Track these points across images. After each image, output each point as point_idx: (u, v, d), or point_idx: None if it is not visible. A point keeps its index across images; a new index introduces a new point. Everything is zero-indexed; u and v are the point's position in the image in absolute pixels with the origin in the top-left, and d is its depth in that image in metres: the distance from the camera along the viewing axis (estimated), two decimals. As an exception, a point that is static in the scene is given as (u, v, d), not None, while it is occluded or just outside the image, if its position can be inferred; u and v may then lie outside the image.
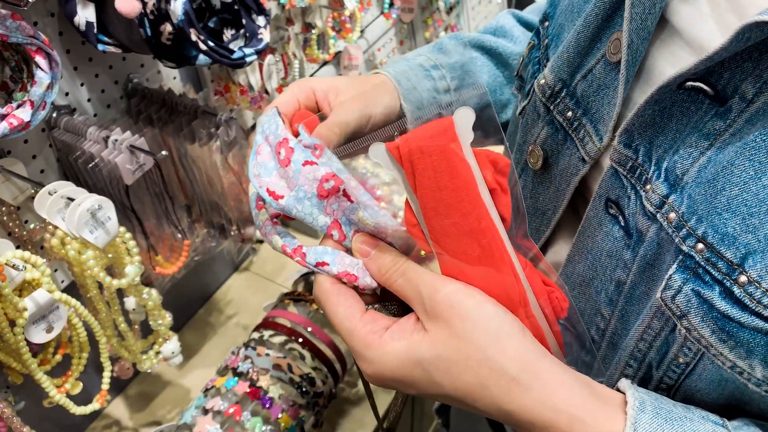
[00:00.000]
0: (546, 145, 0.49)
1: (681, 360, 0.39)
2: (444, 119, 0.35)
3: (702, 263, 0.36)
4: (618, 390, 0.38)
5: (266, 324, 0.88)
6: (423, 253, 0.41)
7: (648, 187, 0.40)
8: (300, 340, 0.85)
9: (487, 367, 0.36)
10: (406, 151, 0.36)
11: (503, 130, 0.55)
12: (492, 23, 0.69)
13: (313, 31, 1.00)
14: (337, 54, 1.13)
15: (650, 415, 0.35)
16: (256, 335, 0.87)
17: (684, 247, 0.37)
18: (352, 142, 0.41)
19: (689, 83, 0.37)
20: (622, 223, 0.42)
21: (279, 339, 0.85)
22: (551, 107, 0.48)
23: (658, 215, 0.39)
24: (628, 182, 0.41)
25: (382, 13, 1.25)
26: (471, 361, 0.36)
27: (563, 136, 0.47)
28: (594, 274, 0.45)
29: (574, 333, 0.43)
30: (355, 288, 0.41)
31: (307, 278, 0.95)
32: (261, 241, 0.92)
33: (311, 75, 1.10)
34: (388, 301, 0.42)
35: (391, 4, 1.24)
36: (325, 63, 1.13)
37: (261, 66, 0.90)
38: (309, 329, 0.86)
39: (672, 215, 0.38)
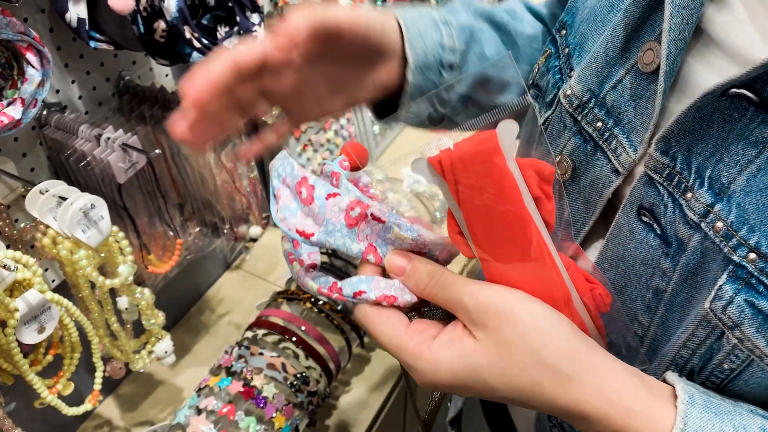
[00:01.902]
0: (574, 155, 0.48)
1: (726, 366, 0.39)
2: (487, 132, 0.35)
3: (755, 273, 0.36)
4: (666, 381, 0.39)
5: (259, 323, 0.88)
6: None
7: (689, 195, 0.39)
8: (294, 338, 0.84)
9: (542, 367, 0.37)
10: (448, 165, 0.36)
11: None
12: (503, 4, 0.67)
13: (306, 29, 0.99)
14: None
15: (700, 408, 0.36)
16: (249, 334, 0.86)
17: (735, 257, 0.37)
18: (395, 158, 0.42)
19: (733, 90, 0.37)
20: (658, 231, 0.42)
21: (272, 338, 0.85)
22: (579, 118, 0.48)
23: (703, 224, 0.39)
24: (665, 190, 0.41)
25: (374, 10, 1.24)
26: (525, 364, 0.37)
27: (593, 146, 0.47)
28: (627, 281, 0.45)
29: (617, 325, 0.43)
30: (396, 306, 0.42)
31: (300, 277, 0.95)
32: (254, 240, 0.91)
33: (304, 72, 1.10)
34: (429, 306, 0.42)
35: (383, 2, 1.23)
36: (317, 60, 1.13)
37: (254, 63, 0.89)
38: (302, 328, 0.86)
39: (719, 224, 0.38)
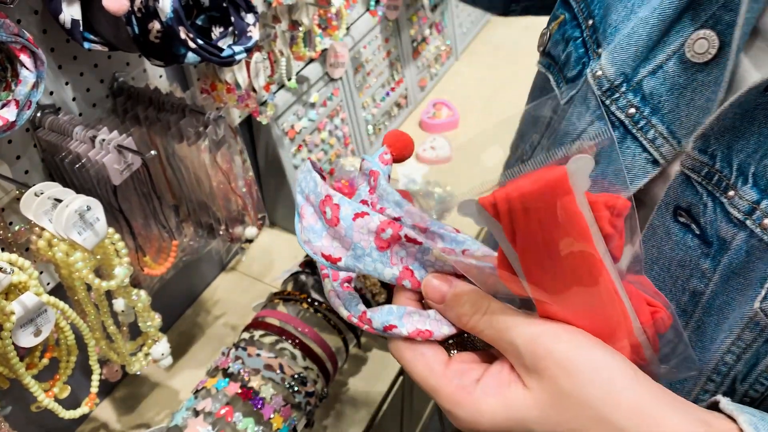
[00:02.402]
0: (597, 140, 0.46)
1: None
2: (556, 168, 0.30)
3: None
4: (718, 407, 0.36)
5: (256, 324, 0.87)
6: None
7: (731, 193, 0.38)
8: (291, 339, 0.84)
9: (599, 423, 0.33)
10: (504, 208, 0.31)
11: None
12: None
13: (300, 29, 0.99)
14: (324, 51, 1.13)
15: None
16: (246, 335, 0.86)
17: None
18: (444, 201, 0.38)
19: None
20: (697, 232, 0.40)
21: (269, 339, 0.84)
22: (608, 102, 0.44)
23: (748, 222, 0.38)
24: (704, 189, 0.40)
25: (367, 10, 1.24)
26: (581, 419, 0.33)
27: (622, 133, 0.44)
28: (661, 285, 0.43)
29: (675, 342, 0.40)
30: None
31: (296, 277, 0.95)
32: (250, 241, 0.91)
33: (298, 73, 1.10)
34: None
35: (377, 2, 1.24)
36: (311, 60, 1.13)
37: (248, 64, 0.89)
38: (299, 328, 0.85)
39: (766, 221, 0.37)
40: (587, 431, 0.33)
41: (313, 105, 1.14)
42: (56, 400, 0.67)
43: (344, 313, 0.40)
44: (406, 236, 0.36)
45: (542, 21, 0.68)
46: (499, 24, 1.72)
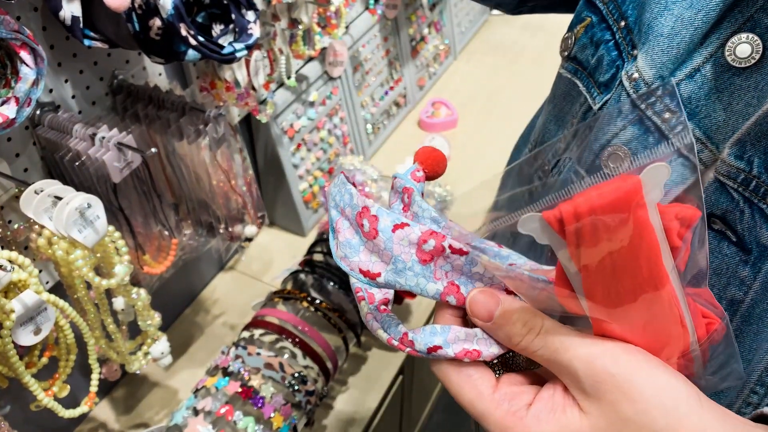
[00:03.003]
0: (631, 146, 0.44)
1: None
2: (629, 178, 0.28)
3: None
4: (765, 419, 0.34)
5: (256, 323, 0.87)
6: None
7: None
8: (291, 338, 0.84)
9: None
10: (571, 222, 0.29)
11: None
12: None
13: (300, 27, 0.99)
14: (323, 50, 1.12)
15: None
16: (246, 334, 0.86)
17: None
18: (501, 218, 0.34)
19: None
20: (734, 239, 0.40)
21: (269, 338, 0.84)
22: (643, 106, 0.43)
23: None
24: (740, 196, 0.39)
25: (366, 8, 1.24)
26: None
27: (657, 138, 0.42)
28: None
29: (725, 355, 0.39)
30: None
31: (295, 276, 0.95)
32: (249, 240, 0.91)
33: (297, 71, 1.10)
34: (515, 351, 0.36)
35: (376, 0, 1.24)
36: (310, 59, 1.13)
37: (248, 62, 0.89)
38: (299, 327, 0.85)
39: None
40: None
41: (312, 103, 1.14)
42: (55, 399, 0.67)
43: (383, 336, 0.37)
44: (450, 247, 0.34)
45: (541, 19, 0.67)
46: (498, 23, 1.72)
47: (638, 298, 0.31)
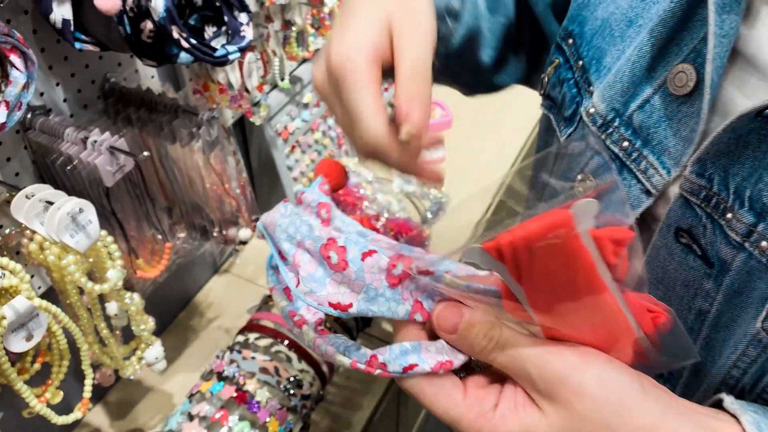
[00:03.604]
0: (597, 174, 0.47)
1: None
2: (559, 212, 0.31)
3: None
4: (722, 406, 0.37)
5: (251, 327, 0.87)
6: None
7: (729, 216, 0.39)
8: (286, 342, 0.83)
9: None
10: (509, 252, 0.31)
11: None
12: None
13: (293, 29, 0.98)
14: (317, 52, 1.12)
15: None
16: (240, 338, 0.85)
17: None
18: (448, 251, 0.36)
19: (767, 111, 0.36)
20: (698, 252, 0.41)
21: (264, 342, 0.84)
22: (603, 137, 0.47)
23: (746, 244, 0.39)
24: (702, 211, 0.41)
25: (360, 10, 1.24)
26: None
27: (618, 166, 0.46)
28: (668, 303, 0.43)
29: (678, 335, 0.41)
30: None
31: (290, 279, 0.94)
32: (244, 243, 0.90)
33: (291, 73, 1.09)
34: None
35: None
36: (304, 60, 1.12)
37: (241, 64, 0.88)
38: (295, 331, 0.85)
39: (764, 243, 0.38)
40: None
41: (306, 105, 1.14)
42: (48, 405, 0.66)
43: (345, 361, 0.37)
44: (417, 268, 0.35)
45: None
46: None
47: (579, 308, 0.34)
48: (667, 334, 0.39)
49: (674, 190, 0.43)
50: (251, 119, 0.98)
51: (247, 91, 0.91)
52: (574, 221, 0.30)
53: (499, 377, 0.38)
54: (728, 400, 0.38)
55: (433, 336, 0.38)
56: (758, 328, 0.38)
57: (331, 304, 0.34)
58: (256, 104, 1.00)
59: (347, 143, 1.27)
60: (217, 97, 0.89)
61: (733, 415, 0.37)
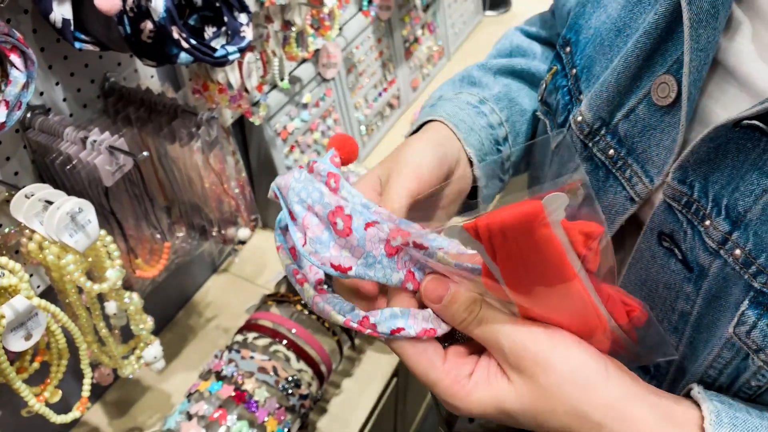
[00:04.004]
0: (586, 182, 0.48)
1: (753, 384, 0.40)
2: (532, 202, 0.33)
3: None
4: (690, 395, 0.40)
5: (249, 326, 0.87)
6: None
7: (707, 223, 0.40)
8: (284, 342, 0.84)
9: (574, 415, 0.37)
10: (485, 233, 0.34)
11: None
12: (505, 44, 0.68)
13: (293, 29, 0.99)
14: (316, 52, 1.12)
15: (727, 428, 0.36)
16: (239, 338, 0.85)
17: (755, 284, 0.37)
18: (431, 226, 0.40)
19: (745, 122, 0.37)
20: (680, 257, 0.43)
21: (263, 341, 0.84)
22: (590, 144, 0.48)
23: (722, 251, 0.39)
24: (684, 217, 0.42)
25: (360, 10, 1.24)
26: (557, 412, 0.38)
27: (605, 173, 0.47)
28: (652, 304, 0.45)
29: (653, 331, 0.43)
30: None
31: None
32: (243, 242, 0.90)
33: (290, 73, 1.09)
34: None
35: (370, 2, 1.23)
36: (304, 60, 1.12)
37: (240, 64, 0.88)
38: (293, 330, 0.85)
39: (737, 252, 0.38)
40: (560, 420, 0.38)
41: (305, 105, 1.14)
42: (47, 404, 0.66)
43: (339, 319, 0.40)
44: (413, 242, 0.37)
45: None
46: (492, 24, 1.72)
47: (552, 292, 0.36)
48: (642, 328, 0.42)
49: (658, 197, 0.44)
50: (250, 119, 0.99)
51: (246, 91, 0.91)
52: (545, 211, 0.33)
53: (478, 349, 0.41)
54: (696, 390, 0.40)
55: (422, 306, 0.41)
56: (731, 333, 0.39)
57: (332, 265, 0.37)
58: (256, 104, 1.00)
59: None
60: (216, 97, 0.89)
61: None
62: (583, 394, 0.37)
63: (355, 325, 0.40)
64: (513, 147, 0.61)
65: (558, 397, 0.37)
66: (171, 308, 1.06)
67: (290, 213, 0.39)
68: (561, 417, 0.38)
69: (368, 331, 0.40)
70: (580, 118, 0.48)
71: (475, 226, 0.34)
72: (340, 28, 1.18)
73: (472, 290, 0.39)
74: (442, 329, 0.40)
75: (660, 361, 0.45)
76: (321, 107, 1.18)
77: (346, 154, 0.43)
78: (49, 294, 0.71)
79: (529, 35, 0.68)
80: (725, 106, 0.40)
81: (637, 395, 0.38)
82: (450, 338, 0.41)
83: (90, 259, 0.66)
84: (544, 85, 0.56)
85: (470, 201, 0.57)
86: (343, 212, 0.37)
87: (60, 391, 0.69)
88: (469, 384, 0.39)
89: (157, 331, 1.02)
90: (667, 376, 0.46)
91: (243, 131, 1.09)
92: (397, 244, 0.38)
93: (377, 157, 1.35)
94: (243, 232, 0.88)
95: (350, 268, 0.38)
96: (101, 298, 0.71)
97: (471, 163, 0.55)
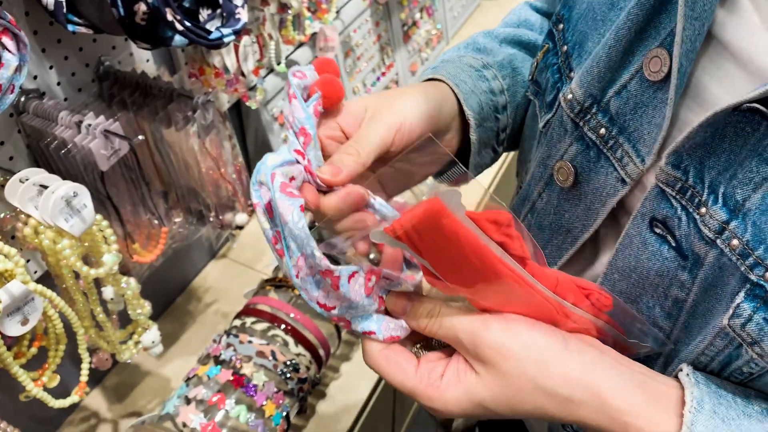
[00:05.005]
0: (576, 161, 0.47)
1: (745, 370, 0.39)
2: (431, 200, 0.36)
3: None
4: (679, 377, 0.40)
5: (248, 311, 0.87)
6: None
7: (703, 210, 0.39)
8: (282, 326, 0.84)
9: (540, 393, 0.38)
10: (402, 234, 0.37)
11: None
12: (513, 17, 0.66)
13: (289, 12, 0.98)
14: (313, 35, 1.11)
15: (707, 415, 0.36)
16: (237, 322, 0.85)
17: (752, 276, 0.36)
18: (360, 231, 0.43)
19: (745, 105, 0.35)
20: (673, 244, 0.41)
21: (261, 326, 0.84)
22: (581, 123, 0.46)
23: (718, 241, 0.38)
24: (678, 203, 0.40)
25: (357, -7, 1.23)
26: (524, 393, 0.39)
27: (596, 153, 0.46)
28: (642, 291, 0.44)
29: (629, 317, 0.44)
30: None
31: (287, 264, 0.94)
32: (240, 227, 0.90)
33: (287, 57, 1.08)
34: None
35: (367, -15, 1.22)
36: (301, 44, 1.11)
37: (237, 47, 0.87)
38: (291, 315, 0.85)
39: (735, 242, 0.37)
40: (531, 400, 0.39)
41: (303, 90, 1.13)
42: (45, 389, 0.66)
43: (316, 306, 0.42)
44: (385, 277, 0.43)
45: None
46: (490, 8, 1.71)
47: (481, 278, 0.38)
48: (619, 315, 0.43)
49: (650, 180, 0.42)
50: (247, 103, 0.98)
51: (243, 74, 0.90)
52: (445, 205, 0.36)
53: (450, 353, 0.43)
54: (685, 371, 0.40)
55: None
56: (725, 325, 0.38)
57: (319, 304, 0.42)
58: (252, 88, 0.99)
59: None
60: (212, 80, 0.88)
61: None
62: (543, 370, 0.38)
63: (324, 313, 0.42)
64: (511, 118, 0.60)
65: (520, 378, 0.38)
66: (170, 293, 1.06)
67: (277, 235, 0.41)
68: (530, 398, 0.39)
69: (342, 323, 0.43)
70: (570, 96, 0.46)
71: (393, 228, 0.37)
72: (338, 11, 1.17)
73: (435, 299, 0.43)
74: (407, 334, 0.43)
75: (657, 351, 0.45)
76: (318, 91, 1.17)
77: (329, 100, 0.44)
78: (47, 279, 0.71)
79: (538, 10, 0.66)
80: (720, 83, 0.38)
81: (603, 364, 0.39)
82: (427, 347, 0.44)
83: (86, 244, 0.66)
84: (535, 64, 0.54)
85: (456, 169, 0.56)
86: (332, 275, 0.40)
87: (58, 376, 0.69)
88: (441, 385, 0.40)
89: (156, 317, 1.02)
90: (658, 360, 0.46)
91: (240, 115, 1.09)
92: (372, 285, 0.42)
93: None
94: (240, 217, 0.88)
95: (334, 308, 0.42)
96: (98, 283, 0.71)
97: (466, 128, 0.54)
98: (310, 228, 0.40)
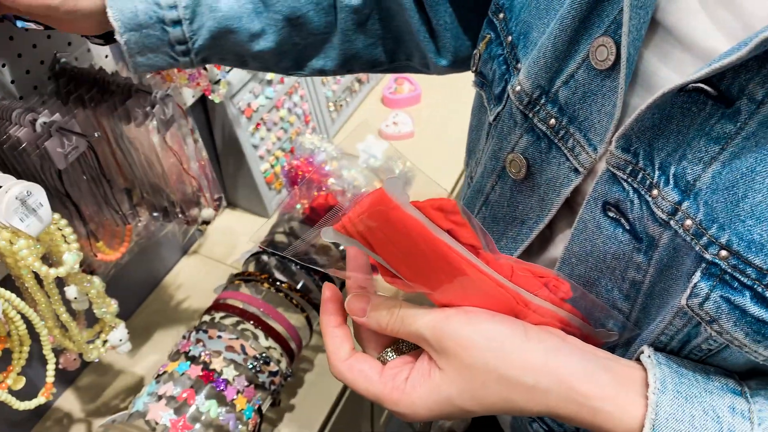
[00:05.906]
0: (527, 153, 0.47)
1: (704, 347, 0.40)
2: (375, 191, 0.36)
3: (729, 270, 0.36)
4: (640, 359, 0.40)
5: (217, 306, 0.86)
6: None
7: (655, 192, 0.39)
8: (252, 320, 0.83)
9: (505, 383, 0.38)
10: (352, 229, 0.37)
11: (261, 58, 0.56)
12: None
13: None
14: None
15: (671, 395, 0.36)
16: (207, 318, 0.85)
17: (707, 255, 0.36)
18: (303, 238, 0.42)
19: (691, 85, 0.36)
20: (627, 227, 0.41)
21: (231, 320, 0.84)
22: (530, 115, 0.46)
23: (672, 222, 0.38)
24: (630, 186, 0.40)
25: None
26: (489, 384, 0.38)
27: (547, 144, 0.46)
28: (599, 274, 0.45)
29: (589, 304, 0.44)
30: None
31: (258, 258, 0.94)
32: (207, 222, 0.90)
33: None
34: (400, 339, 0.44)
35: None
36: (265, 37, 1.10)
37: (197, 41, 0.87)
38: (261, 309, 0.85)
39: (688, 222, 0.37)
40: (496, 391, 0.38)
41: (270, 82, 1.12)
42: (10, 391, 0.66)
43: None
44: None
45: None
46: None
47: (434, 268, 0.38)
48: (580, 303, 0.43)
49: (601, 166, 0.42)
50: (210, 97, 0.97)
51: (204, 68, 0.89)
52: (389, 195, 0.36)
53: (417, 355, 0.42)
54: (646, 353, 0.40)
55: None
56: (683, 305, 0.38)
57: None
58: (216, 82, 0.98)
59: (314, 120, 1.26)
60: (174, 75, 0.87)
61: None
62: (504, 359, 0.38)
63: None
64: (196, 37, 0.58)
65: (483, 369, 0.38)
66: (141, 291, 1.05)
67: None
68: (495, 389, 0.38)
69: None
70: (518, 88, 0.46)
71: (342, 224, 0.37)
72: None
73: (393, 299, 0.42)
74: None
75: (621, 338, 0.45)
76: (286, 83, 1.16)
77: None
78: (8, 281, 0.70)
79: None
80: (669, 68, 0.39)
81: (565, 350, 0.39)
82: (397, 352, 0.44)
83: (45, 244, 0.65)
84: (477, 55, 0.54)
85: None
86: None
87: (24, 378, 0.68)
88: (407, 387, 0.40)
89: (126, 315, 1.01)
90: (619, 342, 0.46)
91: (206, 110, 1.08)
92: None
93: (347, 133, 1.34)
94: (206, 212, 0.87)
95: None
96: (62, 282, 0.70)
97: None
98: (303, 223, 0.41)
